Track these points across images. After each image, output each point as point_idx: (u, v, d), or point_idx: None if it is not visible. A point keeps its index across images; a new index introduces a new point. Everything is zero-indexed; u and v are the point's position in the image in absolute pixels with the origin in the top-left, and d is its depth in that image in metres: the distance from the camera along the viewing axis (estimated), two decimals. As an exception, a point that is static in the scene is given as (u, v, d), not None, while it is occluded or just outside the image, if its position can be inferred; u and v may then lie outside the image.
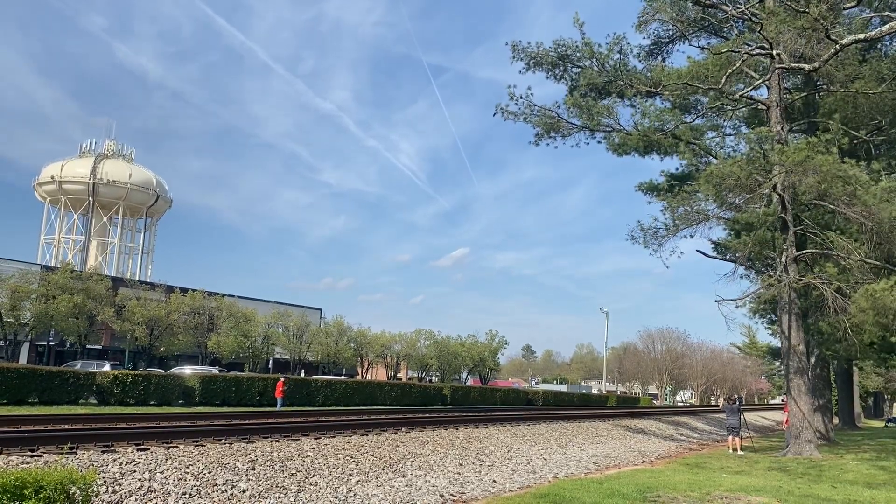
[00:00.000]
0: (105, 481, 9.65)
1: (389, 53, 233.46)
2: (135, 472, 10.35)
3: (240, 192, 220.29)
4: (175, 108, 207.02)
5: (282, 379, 34.54)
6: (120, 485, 9.73)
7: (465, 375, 72.40)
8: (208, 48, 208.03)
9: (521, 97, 23.67)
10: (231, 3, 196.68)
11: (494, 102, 24.05)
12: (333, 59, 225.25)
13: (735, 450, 23.54)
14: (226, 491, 10.46)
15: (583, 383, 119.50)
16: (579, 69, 23.92)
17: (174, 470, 10.82)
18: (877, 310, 17.92)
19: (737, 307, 24.34)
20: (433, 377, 67.86)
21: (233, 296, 59.31)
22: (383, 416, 23.82)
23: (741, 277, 28.67)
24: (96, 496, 8.67)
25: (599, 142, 25.89)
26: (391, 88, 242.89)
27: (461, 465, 15.75)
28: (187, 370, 40.33)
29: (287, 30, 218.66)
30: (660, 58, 26.55)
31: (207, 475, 10.93)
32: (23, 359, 45.99)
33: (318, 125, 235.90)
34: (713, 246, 28.50)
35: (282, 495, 10.86)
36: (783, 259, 21.72)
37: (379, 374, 69.88)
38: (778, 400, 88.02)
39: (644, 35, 25.82)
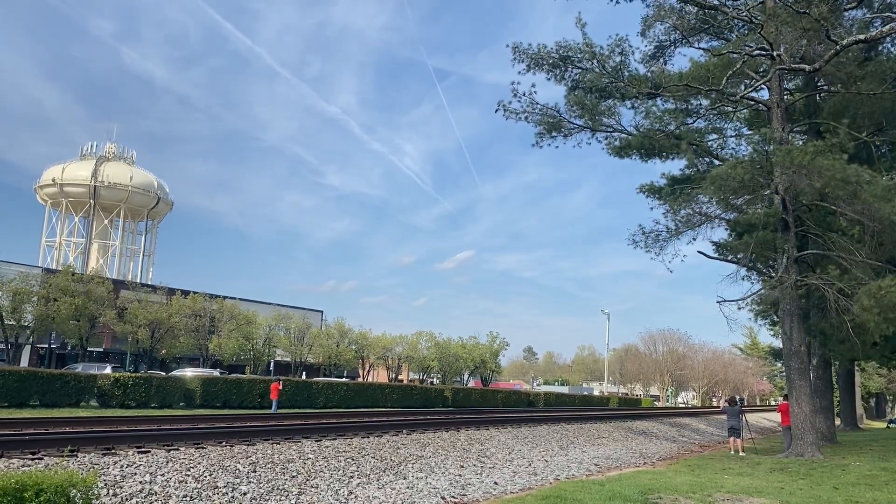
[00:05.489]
0: (106, 484, 9.64)
1: (395, 57, 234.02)
2: (136, 474, 10.34)
3: (244, 195, 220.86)
4: (181, 111, 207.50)
5: (275, 382, 34.34)
6: (121, 487, 9.71)
7: (466, 377, 72.33)
8: (215, 53, 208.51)
9: (524, 94, 23.66)
10: (238, 8, 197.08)
11: (498, 101, 23.92)
12: (339, 63, 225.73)
13: (736, 451, 23.50)
14: (227, 493, 10.44)
15: (584, 385, 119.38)
16: (580, 70, 23.90)
17: (175, 472, 10.80)
18: (882, 307, 17.84)
19: (739, 308, 24.40)
20: (434, 379, 67.84)
21: (234, 298, 59.30)
22: (384, 419, 23.80)
23: (743, 279, 28.76)
24: (97, 499, 8.65)
25: (600, 142, 25.89)
26: (396, 92, 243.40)
27: (462, 466, 15.72)
28: (188, 372, 40.33)
29: (293, 34, 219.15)
30: (661, 60, 26.55)
31: (208, 477, 10.91)
32: (24, 362, 45.99)
33: (323, 129, 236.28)
34: (714, 247, 28.44)
35: (283, 498, 10.84)
36: (784, 260, 21.69)
37: (380, 376, 69.87)
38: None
39: (647, 41, 25.86)
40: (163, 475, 10.56)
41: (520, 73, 23.66)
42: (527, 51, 23.45)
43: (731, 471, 17.42)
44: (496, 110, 23.98)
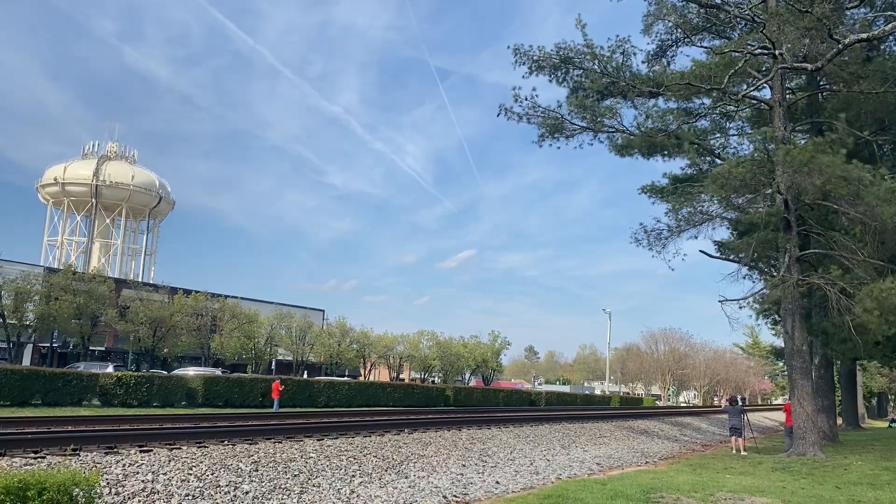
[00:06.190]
0: (108, 483, 9.65)
1: (397, 57, 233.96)
2: (138, 473, 10.35)
3: (246, 195, 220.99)
4: (183, 111, 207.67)
5: (277, 381, 34.51)
6: (123, 486, 9.72)
7: (467, 376, 72.38)
8: (217, 52, 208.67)
9: (525, 98, 23.67)
10: (240, 8, 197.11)
11: (500, 105, 23.93)
12: (341, 62, 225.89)
13: (738, 450, 23.49)
14: (229, 492, 10.45)
15: (586, 384, 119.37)
16: (581, 71, 23.90)
17: (177, 471, 10.81)
18: (883, 309, 17.84)
19: (740, 308, 24.35)
20: (436, 378, 67.85)
21: (236, 297, 59.38)
22: (386, 417, 23.81)
23: (744, 278, 28.70)
24: (99, 498, 8.66)
25: (602, 142, 25.91)
26: (398, 91, 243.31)
27: (464, 466, 15.73)
28: (190, 371, 40.37)
29: (296, 34, 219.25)
30: (664, 60, 26.56)
31: (210, 476, 10.92)
32: (26, 360, 46.08)
33: (325, 128, 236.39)
34: (716, 246, 28.48)
35: (285, 497, 10.85)
36: (786, 259, 21.67)
37: (382, 375, 69.91)
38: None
39: (649, 40, 25.87)
40: (165, 474, 10.57)
41: (523, 77, 23.69)
42: (528, 52, 23.46)
43: (733, 470, 17.41)
44: (498, 114, 24.00)
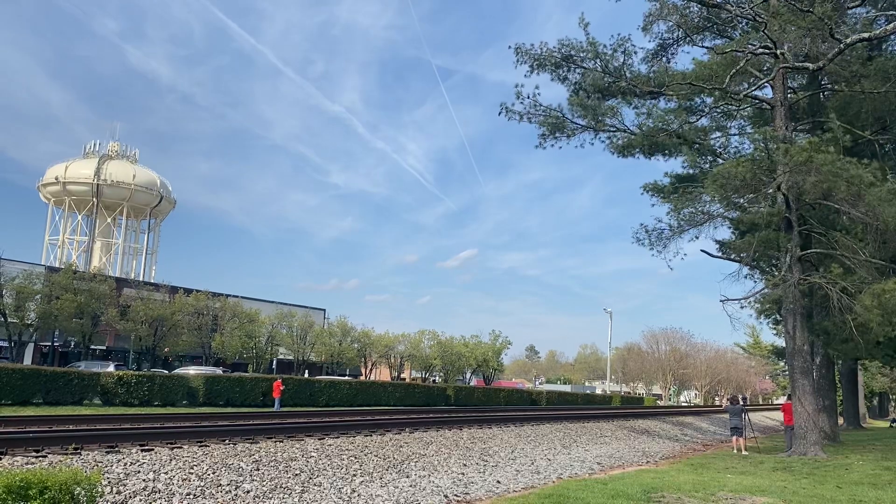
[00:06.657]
0: (109, 482, 9.66)
1: (399, 56, 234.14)
2: (139, 472, 10.36)
3: (248, 194, 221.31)
4: (185, 110, 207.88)
5: (278, 380, 34.58)
6: (124, 485, 9.73)
7: (468, 376, 72.32)
8: (219, 51, 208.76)
9: (527, 97, 23.68)
10: (242, 7, 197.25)
11: (501, 104, 23.95)
12: (343, 61, 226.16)
13: (739, 450, 23.48)
14: (230, 491, 10.46)
15: (587, 384, 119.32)
16: (583, 70, 23.89)
17: (178, 470, 10.82)
18: (884, 309, 17.84)
19: (742, 307, 24.32)
20: (437, 377, 67.82)
21: (237, 296, 59.35)
22: (387, 417, 23.82)
23: (746, 277, 28.71)
24: (101, 497, 8.67)
25: (603, 142, 25.91)
26: (400, 91, 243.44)
27: (465, 465, 15.73)
28: (191, 371, 40.36)
29: (297, 33, 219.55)
30: (664, 59, 26.53)
31: (212, 476, 10.93)
32: (27, 359, 46.07)
33: (327, 127, 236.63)
34: (718, 246, 28.47)
35: (286, 496, 10.86)
36: (788, 259, 21.65)
37: (383, 374, 69.87)
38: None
39: (649, 38, 25.84)
40: (166, 473, 10.57)
41: (525, 75, 23.67)
42: (529, 51, 23.44)
43: (734, 469, 17.41)
44: (499, 114, 24.00)
